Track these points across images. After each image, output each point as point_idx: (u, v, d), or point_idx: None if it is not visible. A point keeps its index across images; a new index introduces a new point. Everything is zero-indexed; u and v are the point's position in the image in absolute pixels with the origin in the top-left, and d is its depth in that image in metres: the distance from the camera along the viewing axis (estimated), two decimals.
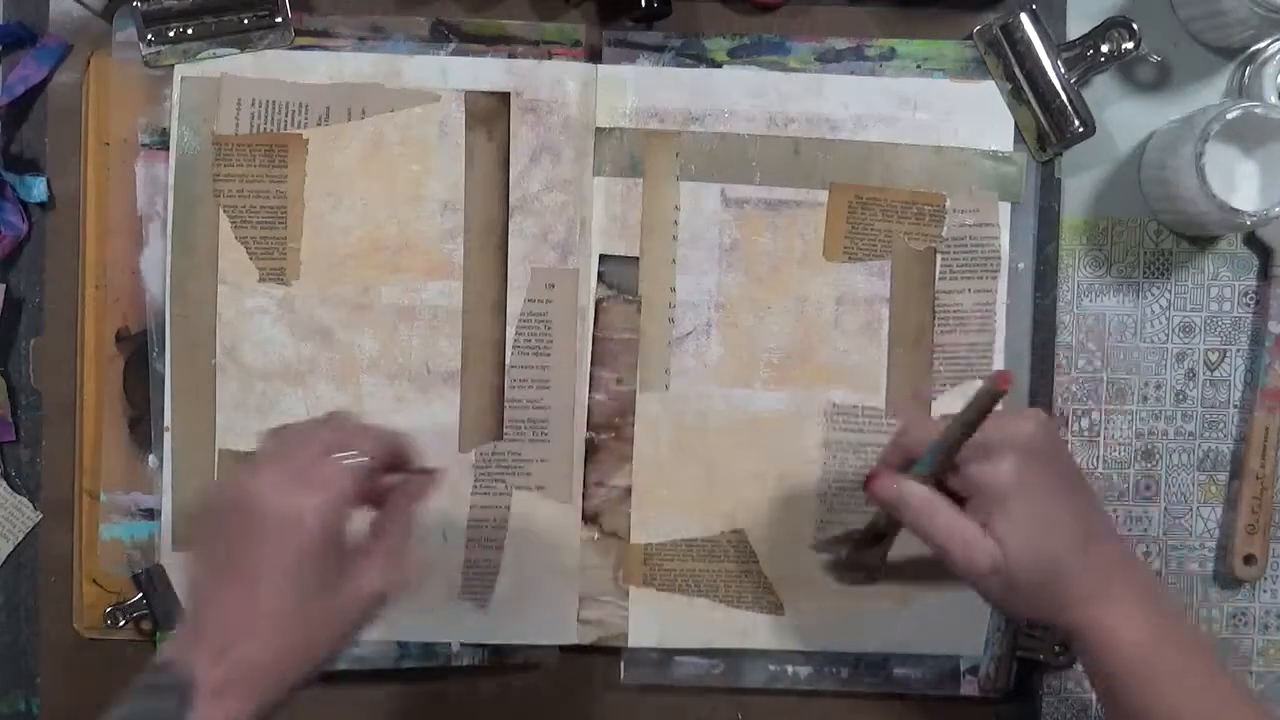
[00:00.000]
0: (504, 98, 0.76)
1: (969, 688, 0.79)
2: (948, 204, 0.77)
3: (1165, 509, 0.80)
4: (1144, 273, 0.80)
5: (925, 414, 0.77)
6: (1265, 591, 0.80)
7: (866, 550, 0.70)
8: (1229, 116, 0.72)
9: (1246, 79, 0.78)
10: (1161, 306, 0.80)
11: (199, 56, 0.75)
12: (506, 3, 0.78)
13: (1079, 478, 0.64)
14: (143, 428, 0.77)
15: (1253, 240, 0.79)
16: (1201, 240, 0.80)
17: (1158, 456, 0.80)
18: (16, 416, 0.78)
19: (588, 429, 0.78)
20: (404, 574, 0.60)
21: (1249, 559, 0.79)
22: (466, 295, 0.77)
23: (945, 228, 0.78)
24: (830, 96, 0.77)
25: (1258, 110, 0.73)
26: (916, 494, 0.62)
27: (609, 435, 0.78)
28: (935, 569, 0.63)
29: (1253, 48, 0.78)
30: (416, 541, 0.62)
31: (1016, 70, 0.77)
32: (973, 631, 0.78)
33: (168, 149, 0.76)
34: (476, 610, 0.77)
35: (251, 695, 0.55)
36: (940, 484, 0.62)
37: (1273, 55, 0.77)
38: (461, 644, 0.78)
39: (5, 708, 0.78)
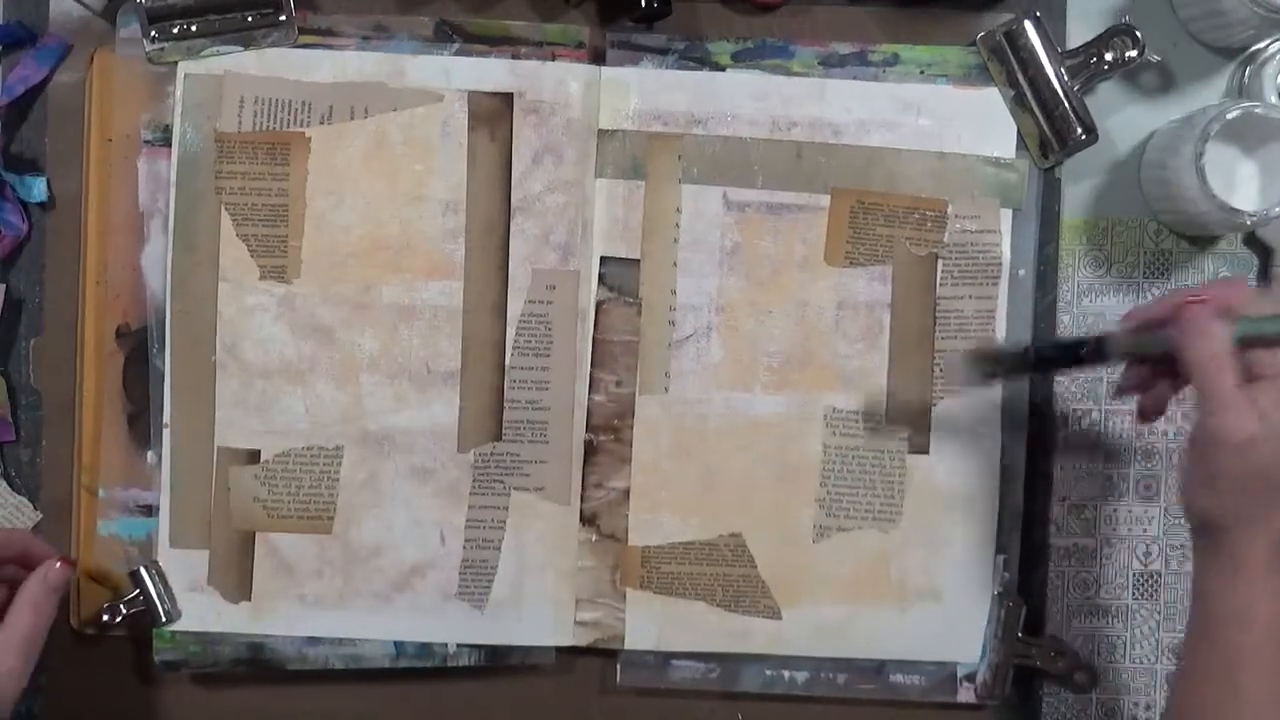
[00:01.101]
0: (507, 98, 0.77)
1: (966, 694, 0.79)
2: (949, 210, 0.78)
3: (1165, 509, 0.80)
4: (1144, 273, 0.80)
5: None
6: None
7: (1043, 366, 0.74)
8: (1229, 116, 0.72)
9: (1246, 79, 0.79)
10: None
11: (203, 54, 0.76)
12: (506, 3, 0.78)
13: None
14: (142, 424, 0.77)
15: (1253, 240, 0.79)
16: (1201, 240, 0.80)
17: (1158, 456, 0.80)
18: (16, 416, 0.78)
19: (587, 431, 0.77)
20: (28, 658, 0.66)
21: None
22: (467, 295, 0.77)
23: (947, 234, 0.78)
24: (833, 101, 0.78)
25: (1258, 110, 0.73)
26: (1222, 344, 0.62)
27: (608, 437, 0.78)
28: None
29: (1253, 48, 0.79)
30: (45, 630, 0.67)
31: (1020, 77, 0.77)
32: (970, 639, 0.78)
33: (170, 145, 0.76)
34: (474, 611, 0.77)
35: None
36: None
37: (1273, 55, 0.78)
38: (458, 644, 0.78)
39: None
